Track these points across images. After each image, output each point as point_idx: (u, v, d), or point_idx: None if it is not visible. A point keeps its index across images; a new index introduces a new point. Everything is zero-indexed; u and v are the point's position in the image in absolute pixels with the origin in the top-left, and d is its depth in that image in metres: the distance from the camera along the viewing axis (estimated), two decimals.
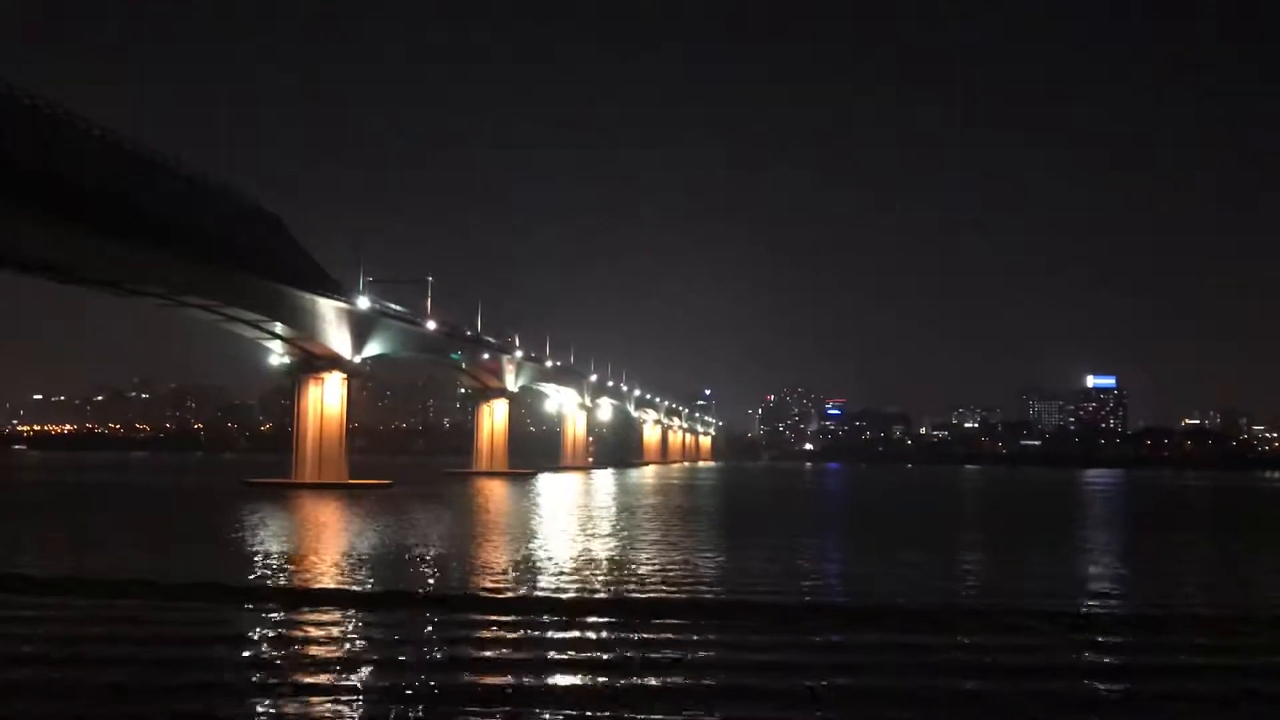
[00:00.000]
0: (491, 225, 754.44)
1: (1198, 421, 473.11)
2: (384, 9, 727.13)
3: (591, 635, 27.59)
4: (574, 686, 21.72)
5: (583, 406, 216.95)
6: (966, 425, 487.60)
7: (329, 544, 52.53)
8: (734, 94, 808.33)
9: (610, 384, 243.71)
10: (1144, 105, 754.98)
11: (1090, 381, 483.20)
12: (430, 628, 28.62)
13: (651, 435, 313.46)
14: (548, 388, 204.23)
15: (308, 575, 39.68)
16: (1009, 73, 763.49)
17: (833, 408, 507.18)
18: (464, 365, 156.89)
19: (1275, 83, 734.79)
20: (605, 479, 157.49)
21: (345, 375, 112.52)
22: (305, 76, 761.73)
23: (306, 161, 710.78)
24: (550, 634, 27.74)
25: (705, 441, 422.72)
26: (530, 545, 51.54)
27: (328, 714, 19.68)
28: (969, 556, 51.34)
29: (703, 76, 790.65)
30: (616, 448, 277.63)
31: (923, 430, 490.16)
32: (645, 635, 27.38)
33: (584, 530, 61.89)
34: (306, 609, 31.29)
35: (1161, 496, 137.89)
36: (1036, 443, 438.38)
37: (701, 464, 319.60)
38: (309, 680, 22.29)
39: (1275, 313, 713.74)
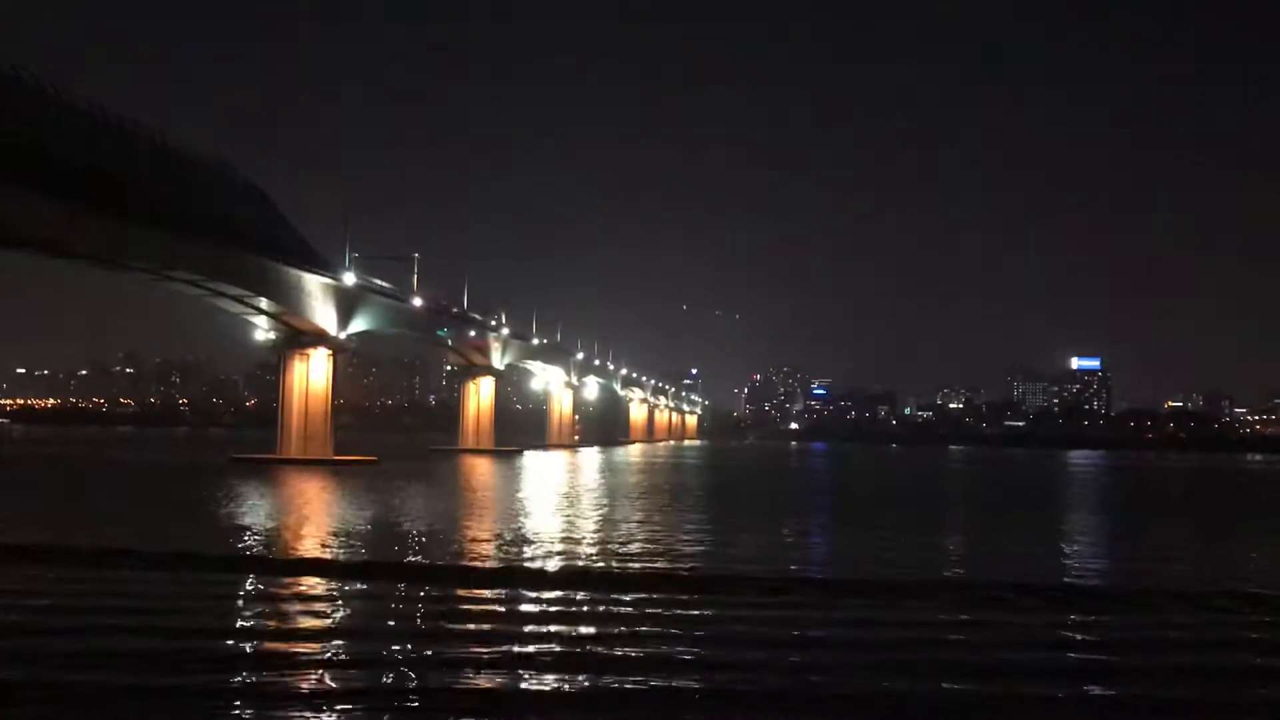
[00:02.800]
0: (480, 204, 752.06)
1: (1181, 404, 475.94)
2: None
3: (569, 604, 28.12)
4: (552, 653, 22.19)
5: (569, 385, 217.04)
6: (951, 406, 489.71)
7: (313, 518, 52.83)
8: (729, 76, 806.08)
9: (597, 362, 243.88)
10: (1138, 91, 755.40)
11: (1075, 363, 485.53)
12: (404, 595, 29.09)
13: (638, 414, 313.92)
14: (534, 365, 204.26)
15: (290, 547, 40.06)
16: (1006, 55, 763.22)
17: (818, 387, 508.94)
18: (450, 342, 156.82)
19: (1273, 66, 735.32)
20: (591, 457, 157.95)
21: (331, 351, 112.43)
22: (296, 50, 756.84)
23: (294, 135, 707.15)
24: (527, 603, 28.25)
25: (691, 420, 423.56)
26: (512, 521, 51.97)
27: (307, 677, 20.09)
28: (948, 536, 51.91)
29: (699, 60, 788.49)
30: (602, 426, 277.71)
31: (908, 410, 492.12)
32: (619, 605, 27.92)
33: (566, 507, 62.37)
34: (287, 578, 31.73)
35: (1144, 478, 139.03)
36: (1021, 423, 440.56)
37: (687, 443, 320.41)
38: (286, 645, 22.73)
39: (1260, 296, 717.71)
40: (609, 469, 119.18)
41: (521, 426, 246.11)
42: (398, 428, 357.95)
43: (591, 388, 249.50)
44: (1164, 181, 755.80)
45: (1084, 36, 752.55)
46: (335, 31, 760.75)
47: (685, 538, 45.38)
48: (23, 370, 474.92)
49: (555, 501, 66.32)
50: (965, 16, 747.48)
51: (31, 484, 76.27)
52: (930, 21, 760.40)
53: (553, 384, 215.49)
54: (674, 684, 19.90)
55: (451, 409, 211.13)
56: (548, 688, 19.65)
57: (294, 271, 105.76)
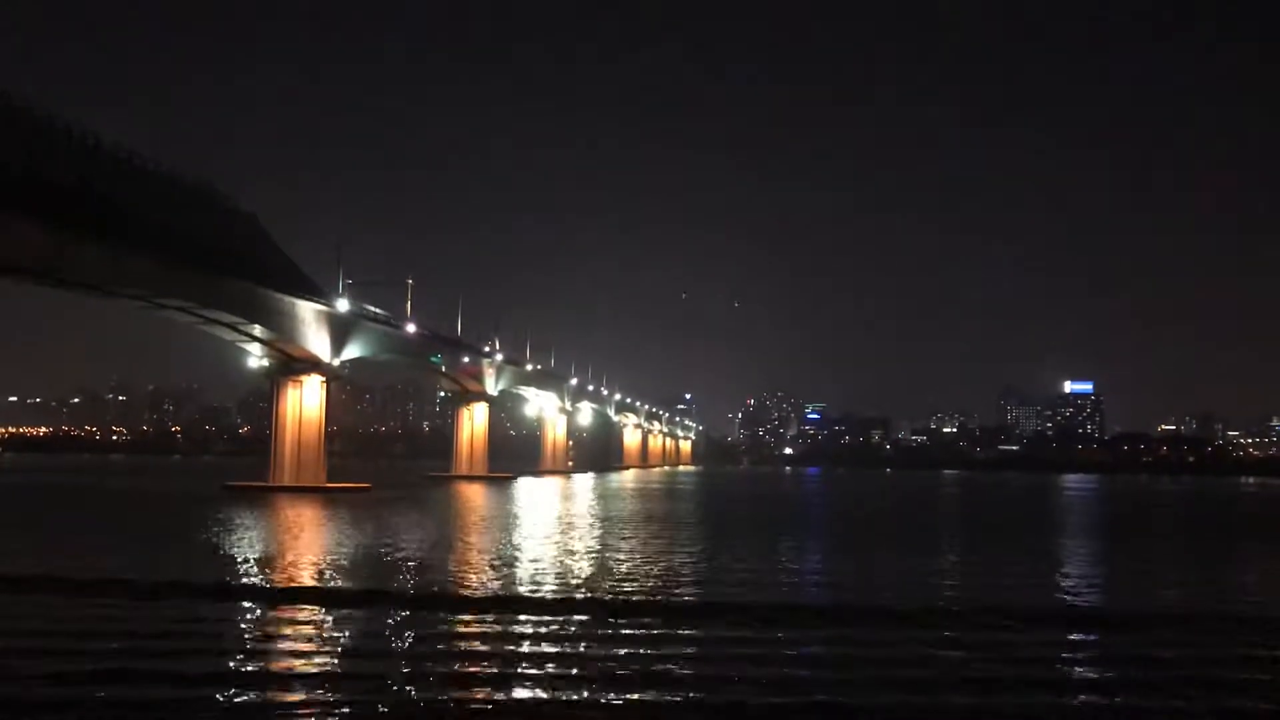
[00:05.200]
0: (471, 230, 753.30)
1: (1174, 427, 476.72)
2: (375, 8, 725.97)
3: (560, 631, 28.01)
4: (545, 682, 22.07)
5: (563, 410, 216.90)
6: (945, 430, 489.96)
7: (304, 546, 52.56)
8: (728, 98, 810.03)
9: (590, 388, 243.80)
10: (1138, 113, 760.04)
11: (1068, 387, 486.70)
12: (391, 624, 28.93)
13: (632, 439, 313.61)
14: (528, 391, 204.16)
15: (282, 575, 39.84)
16: (1002, 78, 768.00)
17: (813, 412, 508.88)
18: (444, 368, 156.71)
19: (1269, 91, 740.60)
20: (585, 483, 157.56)
21: (324, 378, 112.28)
22: (288, 77, 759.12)
23: (287, 162, 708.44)
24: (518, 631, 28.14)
25: (685, 446, 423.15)
26: (504, 549, 51.79)
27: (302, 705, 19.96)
28: (938, 563, 51.81)
29: (697, 81, 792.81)
30: (596, 452, 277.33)
31: (901, 435, 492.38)
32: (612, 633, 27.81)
33: (559, 535, 62.18)
34: (280, 607, 31.58)
35: (1139, 502, 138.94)
36: (1014, 448, 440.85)
37: (681, 468, 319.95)
38: (280, 673, 22.59)
39: (1254, 320, 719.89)
40: (602, 495, 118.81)
41: (515, 452, 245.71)
42: (391, 454, 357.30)
43: (585, 413, 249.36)
44: (1158, 206, 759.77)
45: (1084, 60, 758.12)
46: (329, 55, 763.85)
47: (682, 572, 45.25)
48: (14, 399, 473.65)
49: (548, 531, 66.02)
50: (968, 39, 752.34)
51: (23, 514, 75.83)
52: (930, 45, 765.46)
53: (546, 410, 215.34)
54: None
55: (445, 435, 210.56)
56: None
57: (287, 298, 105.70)
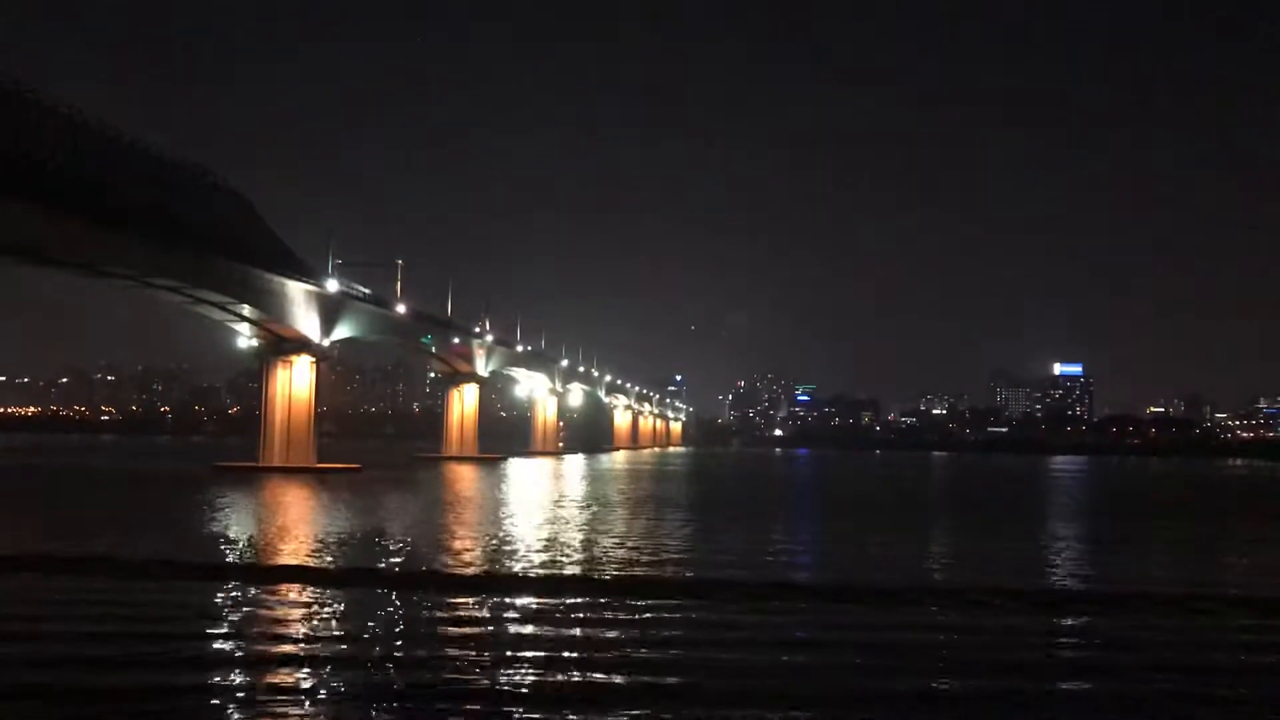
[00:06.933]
0: (464, 211, 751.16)
1: (1162, 409, 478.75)
2: None
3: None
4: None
5: (553, 392, 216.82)
6: (935, 412, 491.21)
7: (294, 526, 52.55)
8: (719, 84, 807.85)
9: (581, 369, 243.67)
10: (1134, 104, 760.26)
11: (1057, 369, 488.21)
12: (373, 600, 28.96)
13: (622, 421, 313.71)
14: (518, 373, 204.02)
15: (272, 554, 39.83)
16: (988, 59, 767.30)
17: (803, 394, 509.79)
18: (434, 349, 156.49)
19: (1253, 77, 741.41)
20: (575, 464, 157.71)
21: (314, 358, 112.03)
22: (279, 57, 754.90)
23: (277, 142, 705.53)
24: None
25: (676, 427, 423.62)
26: (495, 528, 51.86)
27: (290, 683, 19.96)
28: (920, 544, 52.05)
29: (690, 67, 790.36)
30: (587, 433, 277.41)
31: (891, 416, 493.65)
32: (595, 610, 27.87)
33: (549, 515, 62.28)
34: (269, 586, 31.57)
35: (1126, 483, 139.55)
36: (1004, 429, 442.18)
37: (672, 449, 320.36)
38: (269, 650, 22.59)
39: (1242, 302, 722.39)
40: (593, 477, 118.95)
41: (506, 433, 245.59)
42: (381, 435, 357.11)
43: (576, 394, 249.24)
44: (1149, 190, 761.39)
45: (1078, 41, 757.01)
46: (323, 35, 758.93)
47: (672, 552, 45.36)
48: (2, 378, 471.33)
49: (538, 512, 66.14)
50: (955, 23, 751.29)
51: (18, 494, 75.68)
52: (920, 28, 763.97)
53: (537, 391, 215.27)
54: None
55: (435, 416, 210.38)
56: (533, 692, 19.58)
57: (276, 278, 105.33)
